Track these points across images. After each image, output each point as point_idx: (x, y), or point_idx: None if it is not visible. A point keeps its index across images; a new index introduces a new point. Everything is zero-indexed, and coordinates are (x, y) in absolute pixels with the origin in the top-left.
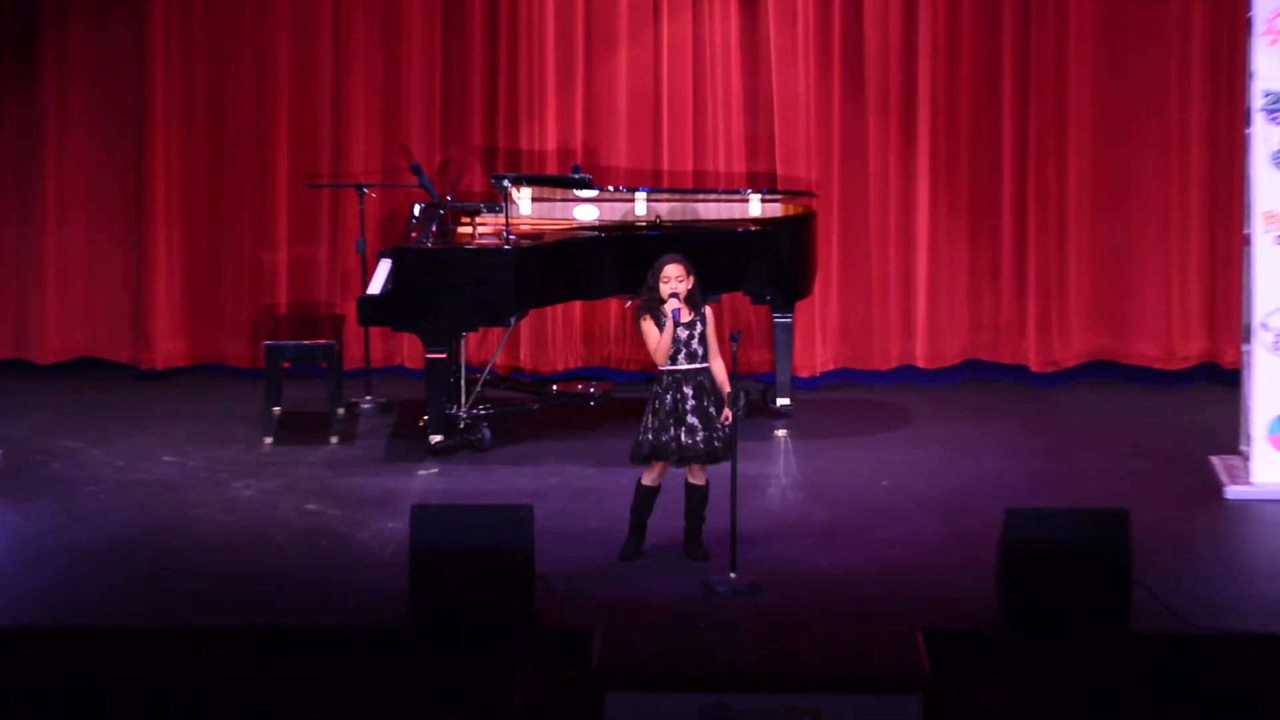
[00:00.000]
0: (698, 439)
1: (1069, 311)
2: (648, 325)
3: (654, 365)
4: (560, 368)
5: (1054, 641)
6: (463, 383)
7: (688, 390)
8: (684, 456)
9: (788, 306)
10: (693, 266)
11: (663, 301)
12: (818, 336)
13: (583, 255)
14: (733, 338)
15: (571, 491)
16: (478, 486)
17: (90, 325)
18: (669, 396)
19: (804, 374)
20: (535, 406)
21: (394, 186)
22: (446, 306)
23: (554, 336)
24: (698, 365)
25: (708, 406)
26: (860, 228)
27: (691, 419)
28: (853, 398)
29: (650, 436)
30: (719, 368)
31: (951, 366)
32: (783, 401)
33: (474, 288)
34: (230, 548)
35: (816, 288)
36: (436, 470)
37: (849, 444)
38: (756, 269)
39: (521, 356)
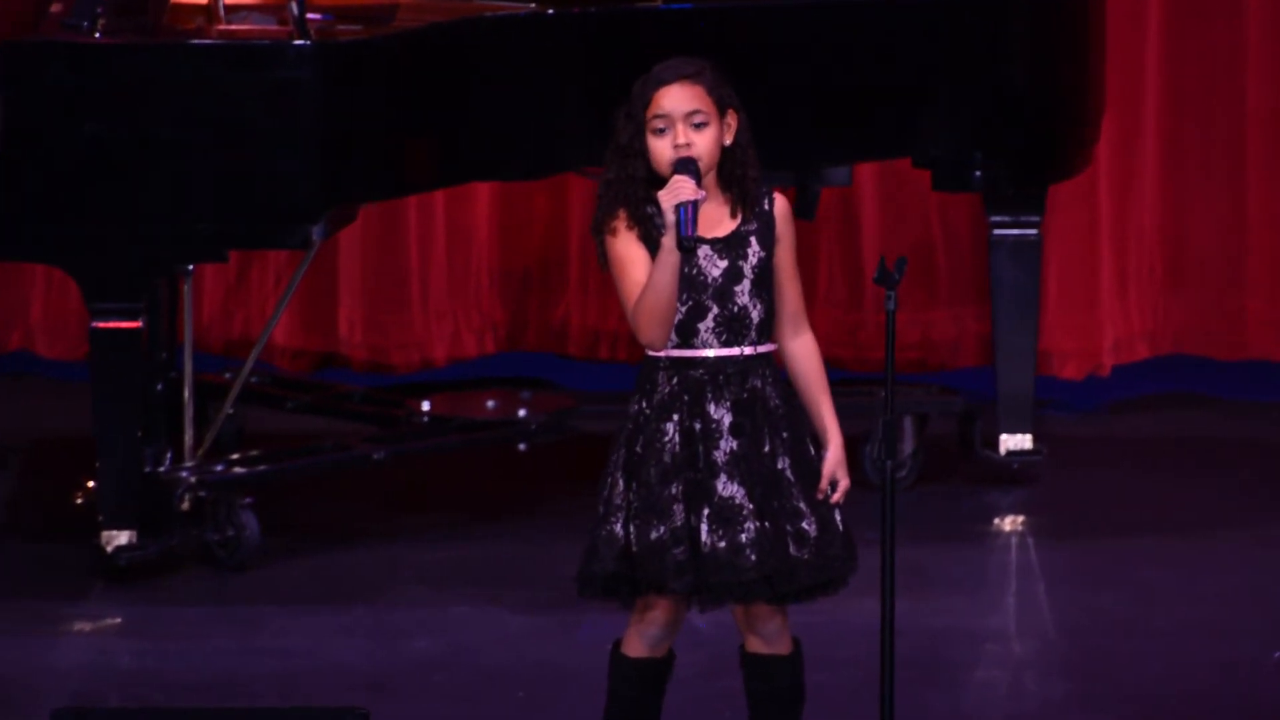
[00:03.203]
0: (744, 537)
1: None
2: (623, 245)
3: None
4: (441, 360)
5: None
6: (188, 396)
7: (716, 410)
8: (713, 585)
9: (1030, 198)
10: (732, 85)
11: (654, 183)
12: (1107, 276)
13: (497, 67)
14: (881, 279)
15: (468, 671)
16: (230, 662)
17: None
18: (669, 427)
19: (1070, 371)
20: (379, 456)
21: None
22: (143, 196)
23: (425, 281)
24: (750, 348)
25: (773, 449)
26: None
27: (729, 487)
28: (1202, 433)
29: (615, 530)
30: (801, 349)
31: None
32: (1015, 441)
33: (215, 147)
34: None
35: (1102, 151)
36: (119, 620)
37: (1188, 548)
38: (942, 99)
39: (344, 331)
